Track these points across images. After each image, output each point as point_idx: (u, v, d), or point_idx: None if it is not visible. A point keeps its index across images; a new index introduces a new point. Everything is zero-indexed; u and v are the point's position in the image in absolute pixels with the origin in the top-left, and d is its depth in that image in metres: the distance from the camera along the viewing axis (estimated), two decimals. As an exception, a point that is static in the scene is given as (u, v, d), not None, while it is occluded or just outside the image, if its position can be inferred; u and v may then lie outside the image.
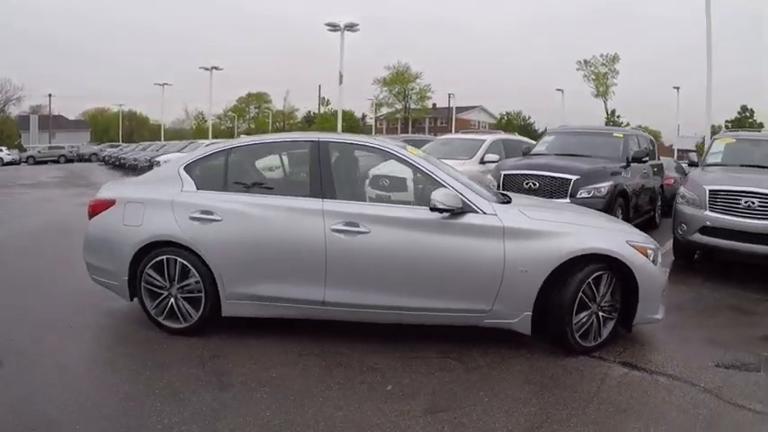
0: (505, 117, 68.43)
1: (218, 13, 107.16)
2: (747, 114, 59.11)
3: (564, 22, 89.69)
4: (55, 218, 10.99)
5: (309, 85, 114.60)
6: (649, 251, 4.16)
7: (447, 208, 3.85)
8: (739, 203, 6.26)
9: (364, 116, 74.49)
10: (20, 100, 64.45)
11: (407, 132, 57.50)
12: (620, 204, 7.95)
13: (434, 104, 70.45)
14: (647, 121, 56.34)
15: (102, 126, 73.43)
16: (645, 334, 4.46)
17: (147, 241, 4.21)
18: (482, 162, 10.31)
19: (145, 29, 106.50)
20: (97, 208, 4.50)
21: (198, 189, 4.32)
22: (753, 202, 6.17)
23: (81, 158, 45.23)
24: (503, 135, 12.23)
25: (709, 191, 6.54)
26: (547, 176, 7.80)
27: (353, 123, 65.32)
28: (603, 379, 3.67)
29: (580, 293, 3.91)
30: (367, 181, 4.73)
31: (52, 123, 62.13)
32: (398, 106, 68.91)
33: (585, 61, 62.73)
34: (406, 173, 4.67)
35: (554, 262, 3.85)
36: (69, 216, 11.12)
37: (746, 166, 7.37)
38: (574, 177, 7.62)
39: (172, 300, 4.22)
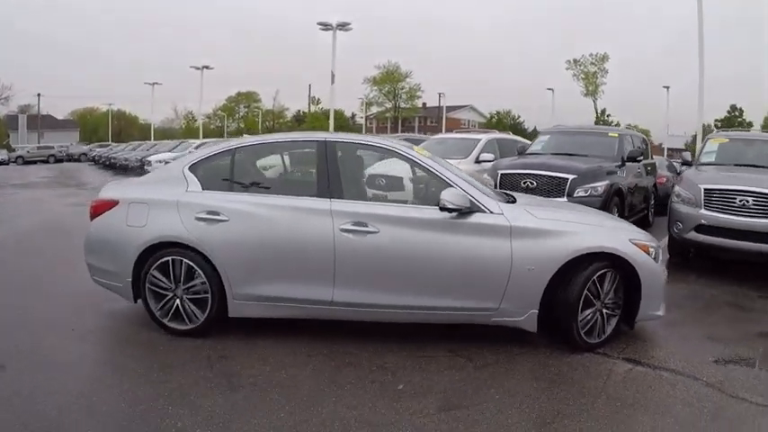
0: (495, 116, 68.63)
1: (209, 12, 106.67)
2: (737, 114, 59.79)
3: (553, 21, 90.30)
4: (49, 218, 10.92)
5: (299, 84, 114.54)
6: (651, 249, 4.25)
7: (456, 207, 3.90)
8: (734, 202, 6.39)
9: (354, 115, 74.54)
10: (8, 99, 63.78)
11: (397, 131, 57.57)
12: (615, 203, 8.06)
13: (424, 104, 70.63)
14: (636, 120, 56.98)
15: (90, 126, 72.80)
16: (646, 331, 4.54)
17: (152, 242, 4.18)
18: (477, 161, 10.39)
19: (133, 28, 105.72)
20: (99, 209, 4.44)
21: (203, 189, 4.30)
22: (747, 201, 6.30)
23: (70, 158, 44.83)
24: (497, 134, 12.33)
25: (705, 190, 6.66)
26: (544, 176, 7.89)
27: (343, 122, 65.27)
28: (609, 375, 3.75)
29: (585, 291, 3.99)
30: (363, 180, 4.77)
31: (41, 123, 61.53)
32: (388, 105, 69.03)
33: (575, 60, 63.25)
34: (403, 172, 4.73)
35: (560, 260, 3.92)
36: (63, 216, 11.12)
37: (740, 165, 7.51)
38: (571, 177, 7.72)
39: (177, 301, 4.20)
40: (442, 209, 3.92)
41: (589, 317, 4.07)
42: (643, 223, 9.79)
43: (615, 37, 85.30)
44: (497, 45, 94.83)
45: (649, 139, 14.88)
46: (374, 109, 70.13)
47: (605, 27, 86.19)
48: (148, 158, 23.30)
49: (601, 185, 7.71)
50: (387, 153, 4.46)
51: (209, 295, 4.14)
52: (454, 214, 3.94)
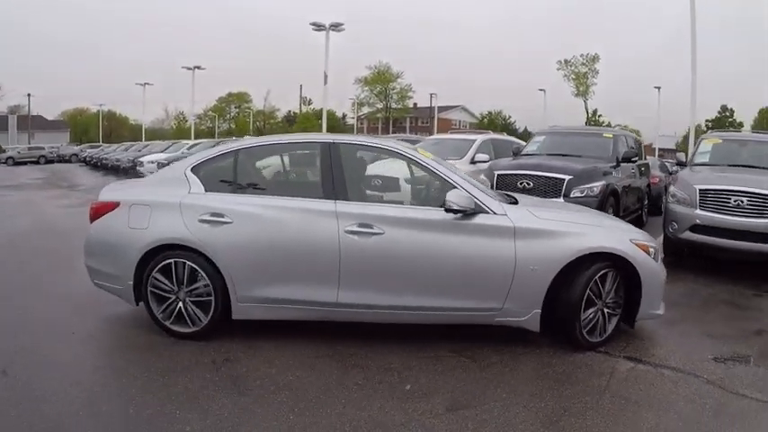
0: (487, 117, 68.88)
1: (200, 12, 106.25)
2: (727, 114, 60.41)
3: (544, 21, 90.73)
4: (43, 220, 10.83)
5: (290, 84, 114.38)
6: (651, 249, 4.32)
7: (461, 209, 3.94)
8: (729, 202, 6.49)
9: (344, 116, 74.58)
10: (-2, 99, 63.34)
11: (389, 132, 57.68)
12: (611, 204, 8.14)
13: (415, 104, 70.83)
14: (626, 120, 57.42)
15: (81, 126, 72.41)
16: (645, 329, 4.61)
17: (155, 244, 4.15)
18: (473, 162, 10.43)
19: (123, 28, 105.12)
20: (100, 210, 4.40)
21: (206, 191, 4.28)
22: (742, 201, 6.40)
23: (61, 159, 44.48)
24: (492, 135, 12.39)
25: (700, 190, 6.75)
26: (541, 176, 7.95)
27: (334, 123, 65.22)
28: (612, 373, 3.81)
29: (588, 291, 4.04)
30: (367, 182, 4.79)
31: (31, 124, 61.06)
32: (379, 106, 69.13)
33: (566, 61, 63.61)
34: (399, 173, 4.75)
35: (563, 260, 3.97)
36: (57, 218, 11.08)
37: (734, 165, 7.62)
38: (567, 177, 7.78)
39: (180, 304, 4.17)
40: (448, 210, 3.95)
41: (591, 316, 4.12)
42: (637, 223, 9.85)
43: (605, 37, 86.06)
44: (488, 45, 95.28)
45: (640, 140, 15.00)
46: (365, 109, 70.22)
47: (595, 27, 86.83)
48: (141, 159, 23.18)
49: (597, 186, 7.79)
50: (391, 155, 4.48)
51: (212, 298, 4.12)
52: (459, 215, 3.98)
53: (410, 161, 4.38)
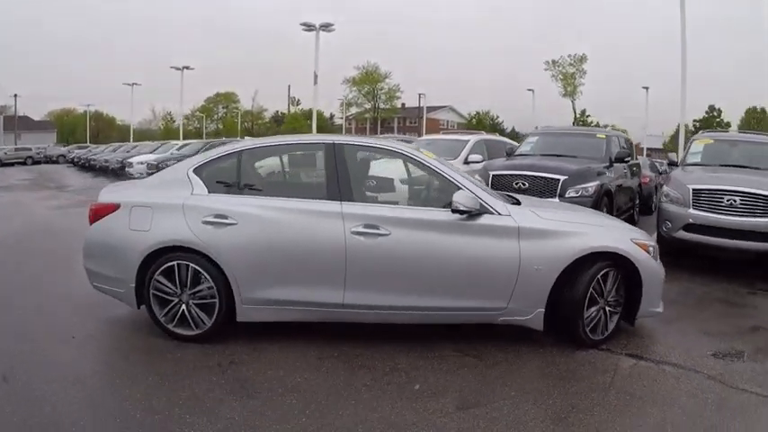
0: (475, 117, 69.12)
1: (187, 11, 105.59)
2: (715, 114, 61.10)
3: (532, 20, 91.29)
4: (33, 221, 10.73)
5: (277, 84, 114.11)
6: (650, 248, 4.40)
7: (467, 209, 3.99)
8: (722, 202, 6.62)
9: (332, 116, 74.50)
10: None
11: (377, 132, 57.73)
12: (605, 204, 8.24)
13: (403, 104, 70.87)
14: (613, 120, 57.90)
15: (68, 127, 71.68)
16: (644, 327, 4.69)
17: (157, 246, 4.11)
18: (466, 162, 10.49)
19: (111, 28, 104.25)
20: (99, 212, 4.34)
21: (209, 192, 4.26)
22: (735, 201, 6.53)
23: (48, 160, 43.97)
24: (485, 135, 12.46)
25: (693, 190, 6.88)
26: (537, 177, 8.03)
27: (322, 123, 65.06)
28: (615, 370, 3.89)
29: (590, 289, 4.11)
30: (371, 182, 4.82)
31: (17, 124, 60.36)
32: (367, 106, 69.13)
33: (553, 61, 64.04)
34: (394, 173, 4.78)
35: (566, 260, 4.04)
36: (47, 219, 11.00)
37: (725, 165, 7.77)
38: (562, 177, 7.87)
39: (183, 306, 4.14)
40: (454, 211, 4.00)
41: (593, 314, 4.20)
42: (629, 222, 10.01)
43: (593, 36, 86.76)
44: (476, 45, 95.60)
45: (631, 140, 15.19)
46: (353, 110, 70.18)
47: (583, 27, 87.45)
48: (130, 160, 23.02)
49: (591, 186, 7.88)
50: (393, 156, 4.52)
51: (216, 300, 4.09)
52: (464, 216, 4.03)
53: (413, 162, 4.42)
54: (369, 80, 67.05)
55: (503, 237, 4.05)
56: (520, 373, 3.83)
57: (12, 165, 40.94)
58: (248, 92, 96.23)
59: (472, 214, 4.04)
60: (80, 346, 4.21)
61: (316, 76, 29.02)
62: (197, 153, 17.89)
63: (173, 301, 4.16)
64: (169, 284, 4.14)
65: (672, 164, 8.83)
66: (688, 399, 3.50)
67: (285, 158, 5.00)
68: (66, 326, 4.56)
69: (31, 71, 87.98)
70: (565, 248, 4.06)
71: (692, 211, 6.82)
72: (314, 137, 5.19)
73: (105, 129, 72.44)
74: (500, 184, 8.11)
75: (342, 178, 4.20)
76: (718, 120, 59.57)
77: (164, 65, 45.95)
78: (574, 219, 4.45)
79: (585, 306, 4.12)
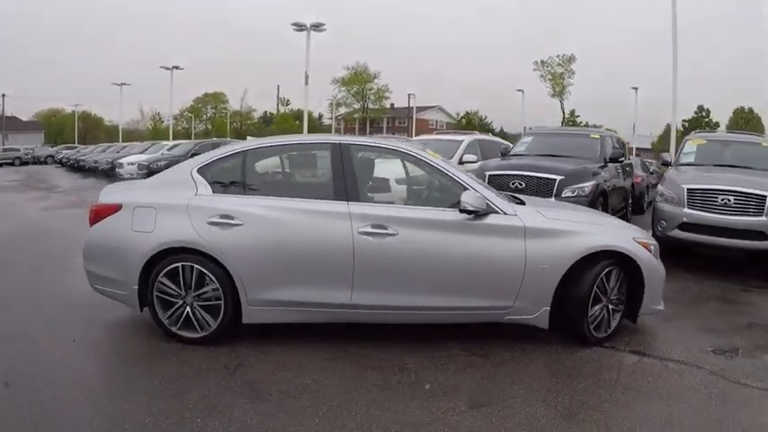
0: (465, 117, 69.34)
1: (176, 11, 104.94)
2: (704, 114, 61.76)
3: (522, 21, 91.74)
4: (25, 222, 10.69)
5: (265, 84, 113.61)
6: (651, 246, 4.50)
7: (475, 209, 4.04)
8: (716, 201, 6.74)
9: (321, 116, 74.40)
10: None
11: (366, 132, 57.75)
12: (600, 203, 8.31)
13: (392, 104, 70.95)
14: (601, 120, 58.28)
15: (56, 127, 70.90)
16: (645, 324, 4.78)
17: (161, 248, 4.06)
18: (461, 162, 10.54)
19: (99, 27, 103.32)
20: (101, 213, 4.28)
21: (214, 193, 4.24)
22: (729, 200, 6.65)
23: (36, 161, 43.35)
24: (479, 136, 12.54)
25: (687, 189, 7.00)
26: (533, 177, 8.08)
27: (311, 123, 64.90)
28: (620, 367, 3.96)
29: (595, 288, 4.19)
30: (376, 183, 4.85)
31: (5, 125, 59.69)
32: (357, 106, 69.13)
33: (542, 62, 64.37)
34: (390, 173, 4.82)
35: (572, 259, 4.11)
36: (39, 220, 10.97)
37: (719, 165, 7.90)
38: (558, 177, 7.93)
39: (187, 308, 4.10)
40: (462, 210, 4.05)
41: (597, 312, 4.27)
42: (623, 221, 10.16)
43: (582, 37, 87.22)
44: (465, 44, 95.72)
45: (623, 140, 15.37)
46: (342, 110, 70.15)
47: (571, 27, 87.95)
48: (120, 161, 22.78)
49: (587, 186, 7.95)
50: (399, 156, 4.55)
51: (222, 301, 4.05)
52: (472, 216, 4.08)
53: (418, 162, 4.45)
54: (358, 80, 67.03)
55: (510, 236, 4.11)
56: (527, 371, 3.89)
57: (0, 165, 40.50)
58: (237, 92, 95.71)
59: (479, 214, 4.09)
60: (81, 350, 4.13)
61: (306, 77, 29.00)
62: (188, 154, 18.02)
63: (177, 303, 4.12)
64: (173, 286, 4.09)
65: (665, 163, 8.96)
66: (692, 394, 3.59)
67: (291, 159, 5.00)
68: (66, 326, 4.51)
69: (19, 71, 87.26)
70: (570, 248, 4.12)
71: (686, 210, 6.94)
72: (320, 137, 5.18)
73: (93, 129, 71.72)
74: (497, 185, 8.11)
75: (349, 178, 4.20)
76: (706, 120, 60.27)
77: (152, 64, 45.66)
78: (577, 218, 4.52)
79: (590, 304, 4.19)
